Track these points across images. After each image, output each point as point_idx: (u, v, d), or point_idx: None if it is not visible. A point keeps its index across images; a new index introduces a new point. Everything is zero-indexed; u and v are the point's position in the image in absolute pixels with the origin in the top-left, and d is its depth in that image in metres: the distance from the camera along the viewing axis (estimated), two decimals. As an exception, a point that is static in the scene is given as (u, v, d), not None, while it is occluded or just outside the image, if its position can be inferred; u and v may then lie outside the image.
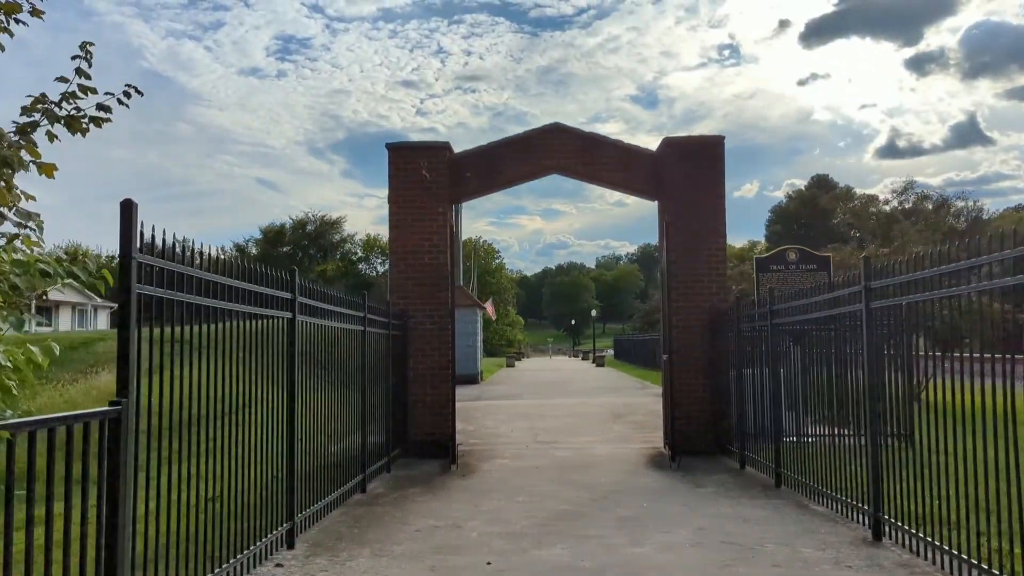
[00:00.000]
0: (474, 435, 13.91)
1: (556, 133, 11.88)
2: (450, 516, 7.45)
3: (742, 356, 9.94)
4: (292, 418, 6.54)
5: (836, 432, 7.35)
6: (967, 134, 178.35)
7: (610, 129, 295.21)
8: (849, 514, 6.83)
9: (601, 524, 6.98)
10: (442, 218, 11.41)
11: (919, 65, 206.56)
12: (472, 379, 29.31)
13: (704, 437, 11.15)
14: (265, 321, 6.10)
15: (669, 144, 11.60)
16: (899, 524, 5.88)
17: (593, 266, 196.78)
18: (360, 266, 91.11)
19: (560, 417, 16.62)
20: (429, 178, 11.54)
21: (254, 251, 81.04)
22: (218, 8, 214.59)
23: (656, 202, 12.05)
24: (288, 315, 6.52)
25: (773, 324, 8.75)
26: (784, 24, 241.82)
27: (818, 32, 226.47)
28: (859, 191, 77.45)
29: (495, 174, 11.85)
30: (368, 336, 9.09)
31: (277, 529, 6.12)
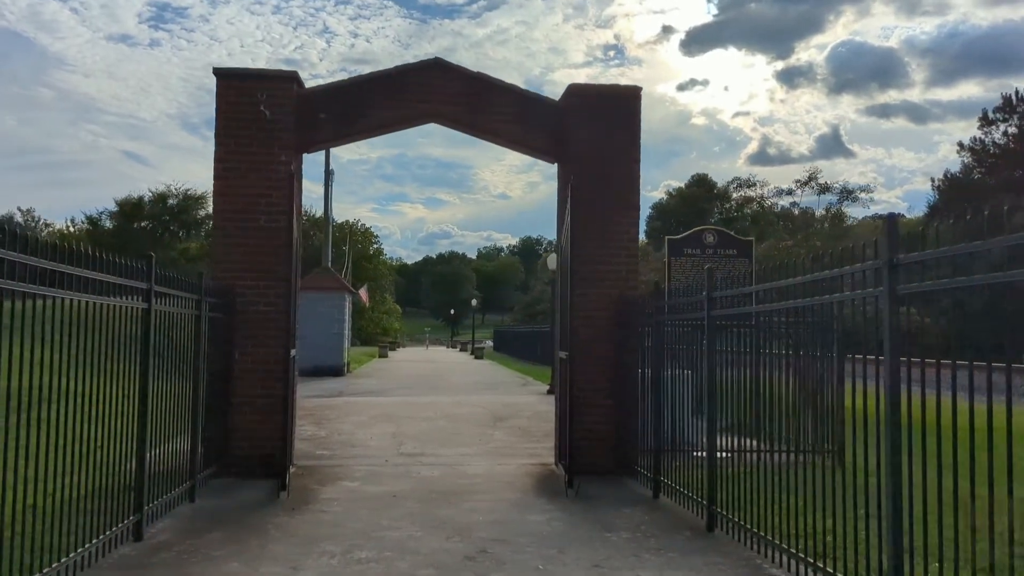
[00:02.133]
0: (323, 444, 11.34)
1: (437, 71, 9.46)
2: (251, 590, 4.97)
3: (661, 355, 7.87)
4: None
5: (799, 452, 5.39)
6: (831, 146, 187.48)
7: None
8: (826, 586, 4.80)
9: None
10: (284, 170, 8.80)
11: (789, 78, 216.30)
12: (337, 371, 26.48)
13: (606, 454, 9.05)
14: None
15: (575, 93, 9.40)
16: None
17: (475, 257, 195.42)
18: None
19: (432, 420, 14.25)
20: (269, 116, 8.91)
21: (108, 225, 74.32)
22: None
23: (556, 165, 9.86)
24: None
25: (711, 316, 6.68)
26: (667, 30, 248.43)
27: (698, 40, 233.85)
28: (735, 192, 79.39)
29: (358, 117, 9.32)
30: (158, 316, 6.44)
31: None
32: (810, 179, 57.61)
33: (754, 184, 65.04)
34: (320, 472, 9.02)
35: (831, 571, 4.74)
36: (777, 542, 5.41)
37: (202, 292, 7.51)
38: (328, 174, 29.90)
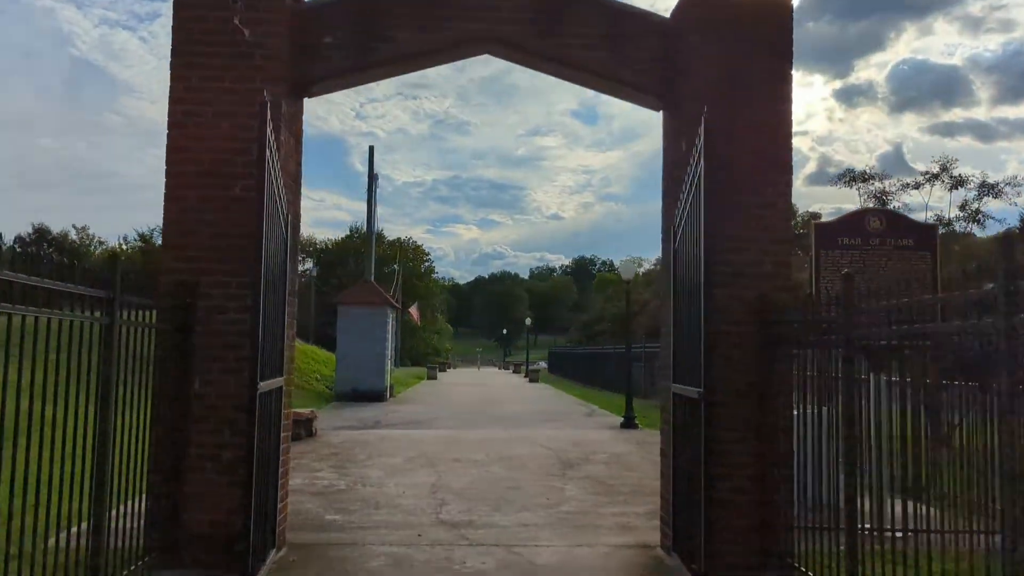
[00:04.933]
0: (340, 501, 8.44)
1: (492, -24, 6.55)
2: None
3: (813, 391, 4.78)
4: None
5: None
6: (893, 165, 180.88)
7: (550, 143, 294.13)
8: None
9: None
10: (273, 115, 5.95)
11: (848, 96, 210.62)
12: (378, 395, 23.66)
13: (748, 537, 5.94)
14: None
15: (696, 3, 6.39)
16: None
17: (527, 277, 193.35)
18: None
19: (483, 465, 11.26)
20: (249, 37, 6.11)
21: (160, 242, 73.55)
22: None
23: (662, 112, 6.87)
24: None
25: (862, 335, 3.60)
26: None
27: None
28: (799, 209, 74.01)
29: (378, 42, 6.45)
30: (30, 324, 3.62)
31: None
32: (943, 170, 47.53)
33: (872, 178, 48.31)
34: (320, 558, 6.10)
35: None
36: None
37: (116, 288, 4.66)
38: (372, 178, 27.34)
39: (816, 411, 5.40)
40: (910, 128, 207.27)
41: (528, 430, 16.23)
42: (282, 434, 6.18)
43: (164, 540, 5.64)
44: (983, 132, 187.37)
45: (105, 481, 4.49)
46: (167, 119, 6.09)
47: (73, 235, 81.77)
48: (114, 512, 4.81)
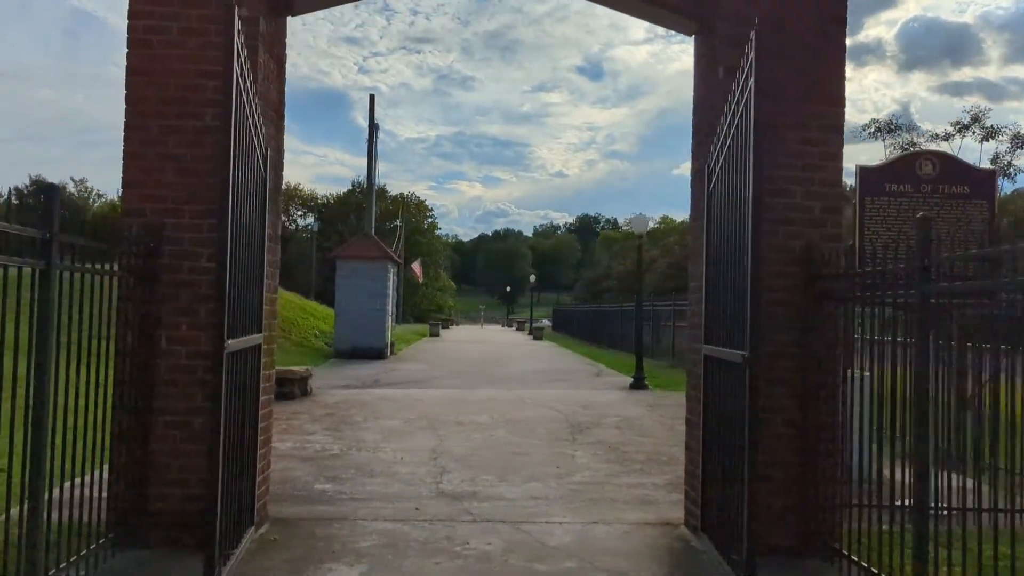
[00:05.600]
0: (332, 469, 7.77)
1: None
2: None
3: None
4: None
5: None
6: (901, 124, 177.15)
7: (555, 99, 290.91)
8: None
9: None
10: (249, 32, 5.13)
11: (856, 55, 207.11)
12: (378, 353, 23.00)
13: (785, 517, 5.26)
14: None
15: (737, -95, 5.49)
16: None
17: (531, 235, 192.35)
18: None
19: (487, 428, 10.60)
20: (220, -60, 5.25)
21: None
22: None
23: (694, 38, 6.04)
24: None
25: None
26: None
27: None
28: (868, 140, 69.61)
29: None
30: None
31: None
32: (974, 120, 45.21)
33: (897, 129, 44.52)
34: (305, 536, 5.44)
35: None
36: None
37: (52, 226, 3.88)
38: (372, 127, 26.35)
39: (873, 376, 4.70)
40: (919, 87, 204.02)
41: (534, 390, 15.58)
42: (261, 397, 5.47)
43: (127, 517, 4.97)
44: (992, 92, 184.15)
45: (41, 452, 3.78)
46: (126, 36, 5.27)
47: (71, 188, 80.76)
48: (68, 485, 4.13)
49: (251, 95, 4.83)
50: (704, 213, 5.56)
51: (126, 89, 5.27)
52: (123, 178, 5.30)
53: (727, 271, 4.95)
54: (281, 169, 6.05)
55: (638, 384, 16.00)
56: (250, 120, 4.81)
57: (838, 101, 5.47)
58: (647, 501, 6.77)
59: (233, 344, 4.39)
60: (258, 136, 5.11)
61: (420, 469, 7.87)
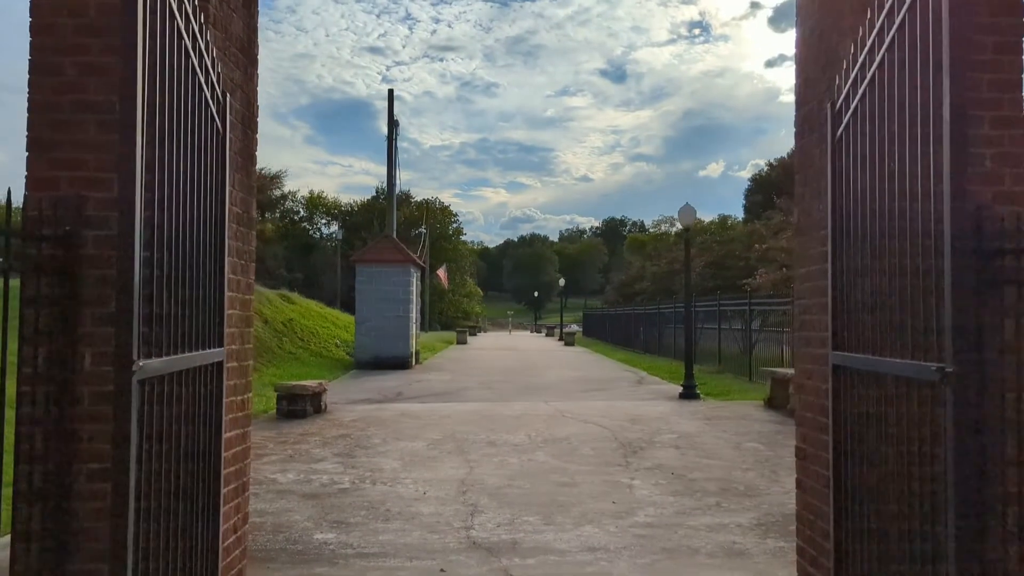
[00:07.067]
0: (337, 508, 6.30)
1: None
2: None
3: None
4: None
5: None
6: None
7: (578, 103, 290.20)
8: None
9: None
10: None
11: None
12: (402, 363, 21.57)
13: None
14: None
15: None
16: None
17: (556, 240, 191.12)
18: (304, 225, 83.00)
19: (524, 450, 9.09)
20: None
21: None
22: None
23: (799, -61, 4.51)
24: None
25: None
26: (755, 5, 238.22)
27: (789, 15, 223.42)
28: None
29: None
30: None
31: None
32: None
33: None
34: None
35: None
36: None
37: None
38: (392, 124, 24.97)
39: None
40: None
41: (573, 402, 14.04)
42: (227, 433, 4.03)
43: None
44: None
45: None
46: (30, -56, 3.86)
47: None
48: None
49: (192, 7, 3.39)
50: (828, 171, 4.01)
51: (30, 15, 3.85)
52: (28, 137, 3.87)
53: (871, 249, 3.41)
54: (254, 129, 4.61)
55: (688, 393, 14.39)
56: (188, 44, 3.37)
57: (1017, 10, 3.91)
58: (737, 552, 5.23)
59: (156, 366, 2.94)
60: (207, 74, 3.67)
61: (446, 508, 6.39)
